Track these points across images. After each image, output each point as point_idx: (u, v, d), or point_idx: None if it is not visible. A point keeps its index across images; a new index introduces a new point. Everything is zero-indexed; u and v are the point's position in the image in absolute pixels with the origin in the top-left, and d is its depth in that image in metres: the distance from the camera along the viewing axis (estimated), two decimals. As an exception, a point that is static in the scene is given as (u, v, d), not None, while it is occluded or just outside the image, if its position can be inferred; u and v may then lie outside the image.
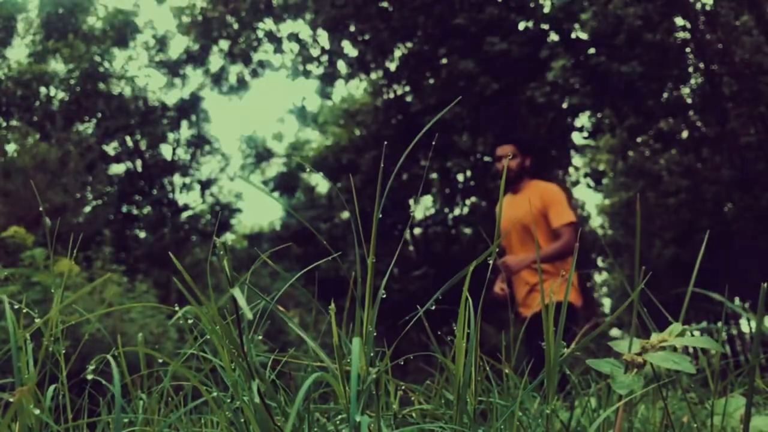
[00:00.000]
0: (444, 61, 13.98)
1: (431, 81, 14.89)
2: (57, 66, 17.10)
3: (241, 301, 0.49)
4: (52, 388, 0.94)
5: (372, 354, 0.60)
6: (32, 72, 15.95)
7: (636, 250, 0.83)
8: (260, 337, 0.82)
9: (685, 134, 17.82)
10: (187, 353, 0.82)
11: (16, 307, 0.85)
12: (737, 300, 16.76)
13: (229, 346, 0.62)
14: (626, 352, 0.93)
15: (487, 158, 17.37)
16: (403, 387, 0.75)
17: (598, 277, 25.30)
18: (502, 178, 0.86)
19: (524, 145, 4.26)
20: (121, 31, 18.72)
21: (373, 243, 0.62)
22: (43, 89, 16.46)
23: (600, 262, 24.30)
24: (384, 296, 0.62)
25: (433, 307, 0.72)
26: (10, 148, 12.04)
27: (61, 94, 17.03)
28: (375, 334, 0.62)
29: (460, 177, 18.26)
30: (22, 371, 0.85)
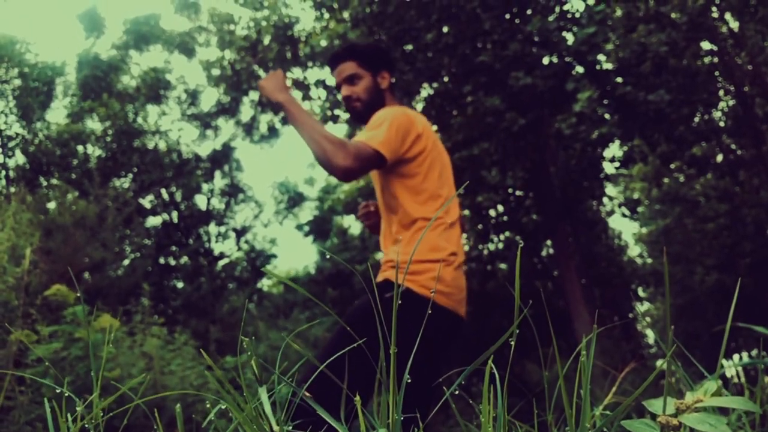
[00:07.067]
0: (470, 98, 14.05)
1: (458, 119, 14.96)
2: (93, 125, 17.67)
3: (267, 406, 0.51)
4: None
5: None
6: (70, 132, 16.49)
7: (667, 316, 0.83)
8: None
9: (719, 158, 17.57)
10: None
11: (58, 391, 0.88)
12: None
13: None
14: (660, 412, 0.92)
15: (519, 192, 17.34)
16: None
17: (640, 308, 24.76)
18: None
19: (373, 55, 2.57)
20: (154, 87, 19.32)
21: (395, 326, 0.64)
22: (80, 148, 16.98)
23: (641, 292, 23.83)
24: (409, 381, 0.63)
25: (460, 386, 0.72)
26: (51, 206, 12.37)
27: (98, 152, 17.54)
28: (402, 419, 0.63)
29: (492, 212, 18.24)
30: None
